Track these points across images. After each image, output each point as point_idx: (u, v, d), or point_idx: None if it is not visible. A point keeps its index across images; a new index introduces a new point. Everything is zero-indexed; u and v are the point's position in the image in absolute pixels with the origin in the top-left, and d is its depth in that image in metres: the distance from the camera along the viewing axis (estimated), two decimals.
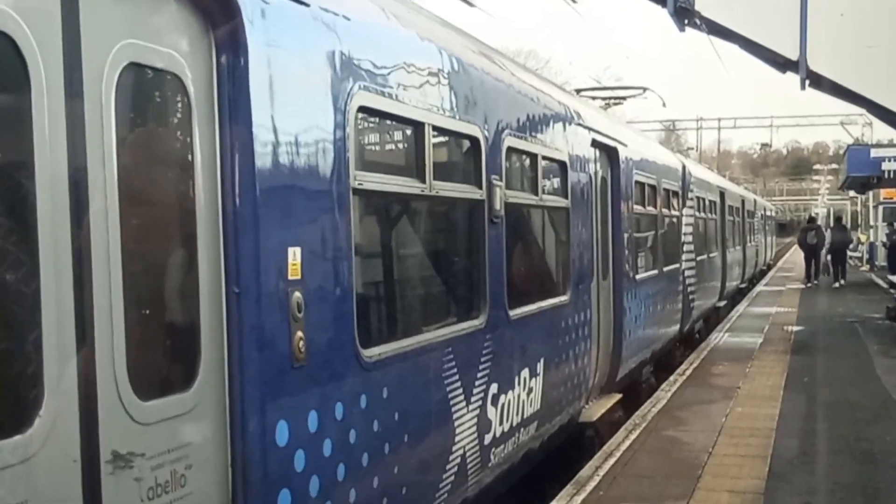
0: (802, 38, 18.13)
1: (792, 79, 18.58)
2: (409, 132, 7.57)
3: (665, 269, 18.34)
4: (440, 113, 7.83)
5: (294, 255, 5.70)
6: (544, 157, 10.79)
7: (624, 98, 23.22)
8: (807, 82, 18.43)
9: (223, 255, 5.22)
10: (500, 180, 9.14)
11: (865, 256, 57.51)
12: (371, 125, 7.09)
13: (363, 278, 6.83)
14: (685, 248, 21.23)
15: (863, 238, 62.25)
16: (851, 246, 49.58)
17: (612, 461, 11.58)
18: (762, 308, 29.96)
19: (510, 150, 9.56)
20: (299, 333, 5.72)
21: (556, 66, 61.95)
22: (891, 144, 43.15)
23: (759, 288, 39.53)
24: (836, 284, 39.38)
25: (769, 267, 54.45)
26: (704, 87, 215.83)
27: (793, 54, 18.21)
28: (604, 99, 23.01)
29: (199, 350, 5.09)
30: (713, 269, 27.44)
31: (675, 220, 19.98)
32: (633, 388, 16.38)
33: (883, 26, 18.68)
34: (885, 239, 45.26)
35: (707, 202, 25.86)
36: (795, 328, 24.33)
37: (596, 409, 13.39)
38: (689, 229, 21.77)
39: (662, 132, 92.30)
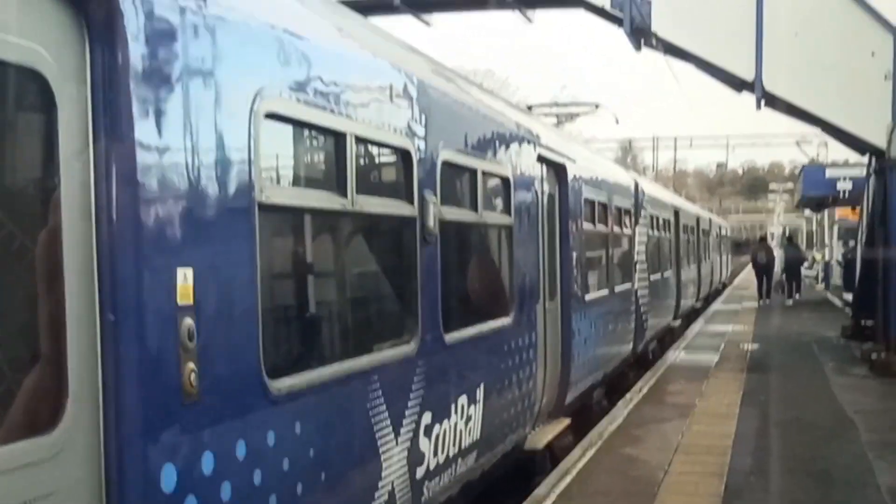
0: (758, 59, 18.53)
1: (748, 99, 19.17)
2: (328, 143, 6.90)
3: (617, 288, 17.74)
4: (364, 122, 7.18)
5: (184, 276, 5.01)
6: (485, 173, 10.15)
7: (576, 114, 22.61)
8: (762, 102, 18.88)
9: (96, 279, 4.54)
10: (435, 196, 8.50)
11: (821, 275, 57.23)
12: (283, 134, 6.40)
13: (272, 302, 6.11)
14: (638, 267, 20.66)
15: (818, 257, 62.11)
16: (806, 264, 50.05)
17: (568, 479, 11.48)
18: (718, 326, 29.88)
19: (447, 164, 8.92)
20: (190, 365, 5.03)
21: (513, 85, 61.43)
22: (845, 164, 43.39)
23: (716, 307, 39.52)
24: (790, 301, 39.52)
25: (725, 285, 54.13)
26: (661, 108, 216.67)
27: (748, 75, 18.68)
28: (556, 116, 22.43)
29: (66, 386, 4.39)
30: (667, 288, 26.90)
31: (627, 238, 19.39)
32: (583, 412, 15.84)
33: (837, 47, 19.20)
34: (840, 258, 44.75)
35: (661, 220, 25.34)
36: (751, 346, 24.29)
37: (542, 436, 12.77)
38: (643, 248, 21.21)
39: (619, 151, 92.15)
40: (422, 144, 8.25)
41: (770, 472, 11.73)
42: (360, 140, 7.12)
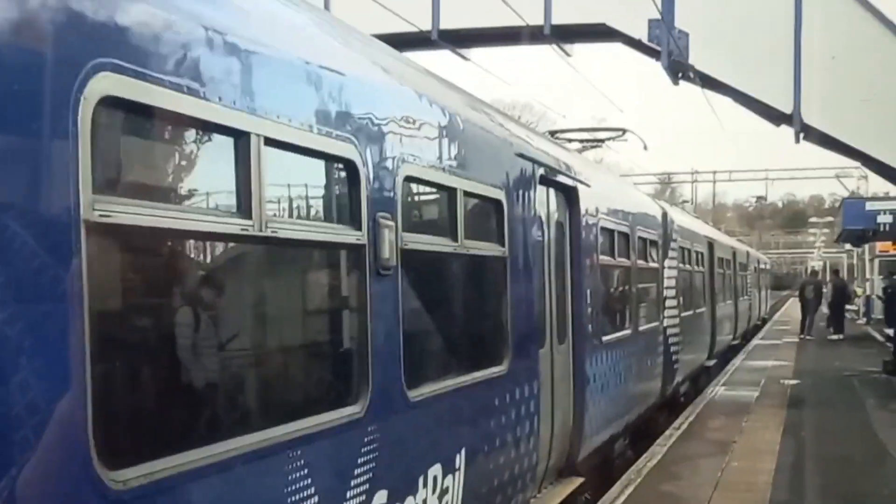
0: (796, 92, 18.17)
1: (786, 132, 18.88)
2: (221, 145, 5.10)
3: (641, 328, 15.78)
4: (281, 120, 5.38)
5: None
6: (468, 194, 8.29)
7: (602, 140, 20.78)
8: (801, 135, 18.52)
9: None
10: (393, 220, 6.69)
11: (862, 310, 55.29)
12: (137, 130, 4.63)
13: (111, 355, 4.30)
14: (667, 303, 18.69)
15: (859, 291, 60.18)
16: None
17: None
18: (758, 361, 29.15)
19: (411, 180, 7.12)
20: None
21: (551, 119, 59.71)
22: (886, 197, 41.79)
23: (756, 342, 38.32)
24: (836, 337, 38.43)
25: (764, 321, 51.64)
26: (699, 141, 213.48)
27: (787, 107, 18.29)
28: (581, 141, 20.63)
29: None
30: (701, 326, 24.73)
31: (653, 272, 17.46)
32: (604, 466, 13.96)
33: (876, 79, 18.73)
34: (880, 292, 43.64)
35: (693, 253, 23.31)
36: (792, 382, 23.77)
37: (549, 500, 10.89)
38: (672, 283, 19.22)
39: (658, 185, 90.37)
40: (374, 155, 6.45)
41: None
42: (273, 143, 5.32)
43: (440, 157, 7.67)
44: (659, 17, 17.63)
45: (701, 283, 24.88)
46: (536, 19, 19.03)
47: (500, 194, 9.02)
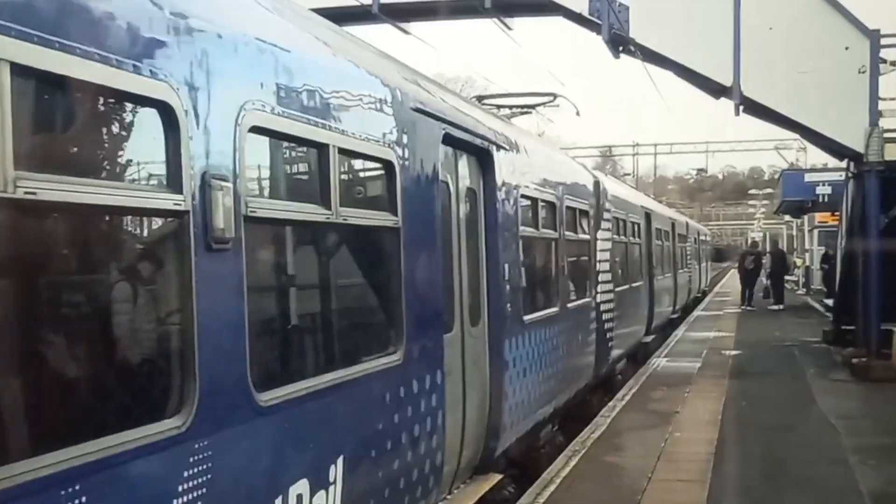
0: (736, 64, 18.36)
1: (727, 104, 19.04)
2: None
3: (570, 305, 14.33)
4: (33, 42, 3.89)
5: None
6: (346, 152, 6.81)
7: (532, 106, 19.29)
8: (741, 108, 18.81)
9: None
10: (231, 181, 5.21)
11: (802, 280, 54.84)
12: None
13: None
14: (601, 277, 17.32)
15: (799, 262, 59.71)
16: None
17: (552, 488, 11.11)
18: (700, 333, 29.00)
19: (259, 131, 5.61)
20: None
21: (493, 92, 58.21)
22: (825, 169, 42.25)
23: (697, 313, 38.24)
24: (777, 307, 38.39)
25: (704, 294, 50.36)
26: (640, 114, 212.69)
27: (727, 80, 18.53)
28: (510, 108, 19.17)
29: None
30: (638, 301, 23.27)
31: (585, 245, 16.07)
32: (529, 457, 12.61)
33: (814, 50, 18.93)
34: (820, 263, 43.36)
35: (629, 225, 21.83)
36: (733, 352, 23.65)
37: (461, 501, 9.50)
38: (605, 256, 17.82)
39: (599, 158, 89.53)
40: (198, 96, 4.95)
41: (753, 478, 11.41)
42: (29, 74, 3.84)
43: (304, 106, 6.15)
44: None
45: (638, 256, 23.43)
46: None
47: (390, 154, 7.53)
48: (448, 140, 9.05)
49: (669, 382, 18.87)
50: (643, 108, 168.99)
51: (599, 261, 17.25)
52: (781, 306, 38.62)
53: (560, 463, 12.31)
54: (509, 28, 21.44)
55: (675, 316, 32.91)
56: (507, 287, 10.76)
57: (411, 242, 7.85)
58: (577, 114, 20.10)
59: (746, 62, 18.45)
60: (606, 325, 17.66)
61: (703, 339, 26.78)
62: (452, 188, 9.38)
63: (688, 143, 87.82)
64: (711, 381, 18.89)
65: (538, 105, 19.42)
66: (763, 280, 42.55)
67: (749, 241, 52.24)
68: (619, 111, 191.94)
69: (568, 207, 14.31)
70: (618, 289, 19.12)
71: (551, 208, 13.29)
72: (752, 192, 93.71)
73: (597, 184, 17.36)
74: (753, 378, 19.45)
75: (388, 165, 7.54)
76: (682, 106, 56.22)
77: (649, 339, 25.01)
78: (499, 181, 10.60)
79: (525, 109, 19.51)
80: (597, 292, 16.88)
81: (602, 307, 17.28)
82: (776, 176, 63.97)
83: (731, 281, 56.27)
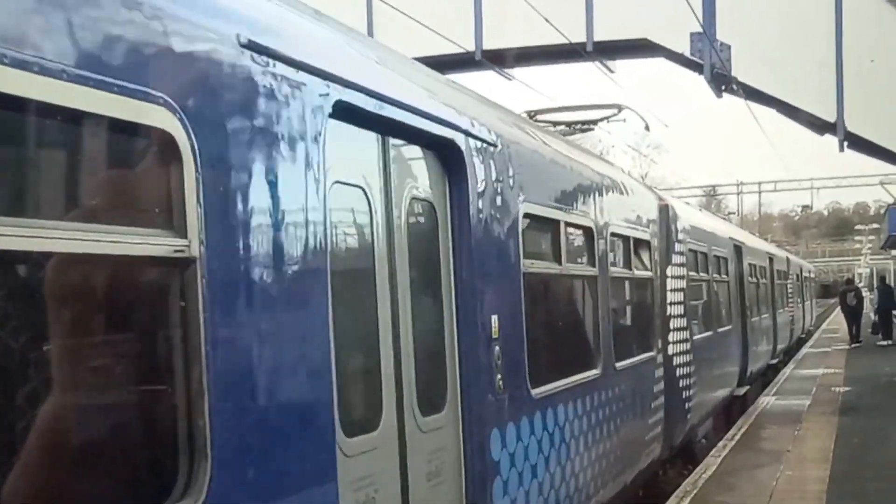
0: (839, 99, 17.29)
1: (831, 140, 17.93)
2: None
3: (620, 364, 10.05)
4: None
5: None
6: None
7: (595, 121, 15.19)
8: (845, 143, 17.66)
9: None
10: None
11: None
12: None
13: None
14: (672, 324, 13.03)
15: None
16: None
17: None
18: (809, 370, 27.24)
19: None
20: None
21: (596, 135, 54.32)
22: None
23: (805, 350, 35.65)
24: (885, 343, 34.81)
25: (809, 334, 44.65)
26: (744, 152, 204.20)
27: (830, 116, 17.46)
28: (568, 124, 15.14)
29: None
30: (727, 348, 18.59)
31: (645, 285, 11.81)
32: None
33: None
34: None
35: (713, 259, 17.40)
36: (843, 389, 22.01)
37: None
38: (678, 297, 13.49)
39: (703, 197, 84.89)
40: None
41: None
42: None
43: None
44: (701, 30, 16.63)
45: (726, 296, 18.88)
46: (579, 36, 17.98)
47: (167, 121, 3.61)
48: (348, 115, 5.07)
49: (779, 420, 17.79)
50: (747, 147, 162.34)
51: (670, 303, 12.98)
52: (891, 341, 34.96)
53: (672, 503, 11.48)
54: (611, 71, 20.19)
55: (774, 361, 27.84)
56: (498, 349, 6.70)
57: (226, 287, 3.90)
58: (647, 128, 15.99)
59: (849, 97, 17.21)
60: (682, 384, 13.32)
61: (812, 377, 25.15)
62: (375, 197, 5.40)
63: (792, 179, 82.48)
64: (822, 418, 17.69)
65: (601, 120, 15.38)
66: (871, 315, 39.40)
67: (845, 279, 47.97)
68: (724, 151, 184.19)
69: (616, 236, 10.12)
70: (697, 336, 14.72)
71: (584, 235, 9.11)
72: (858, 227, 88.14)
73: (665, 208, 13.09)
74: (864, 414, 17.99)
75: (161, 143, 3.61)
76: (786, 143, 51.78)
77: (742, 391, 20.24)
78: (479, 191, 6.57)
79: (586, 125, 15.47)
80: (667, 343, 12.61)
81: (675, 360, 12.99)
82: (882, 211, 59.93)
83: (839, 317, 52.06)
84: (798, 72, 18.04)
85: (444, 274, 6.28)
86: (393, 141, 5.73)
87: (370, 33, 16.89)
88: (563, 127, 15.08)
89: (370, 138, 5.51)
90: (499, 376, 6.71)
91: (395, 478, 5.50)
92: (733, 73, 17.54)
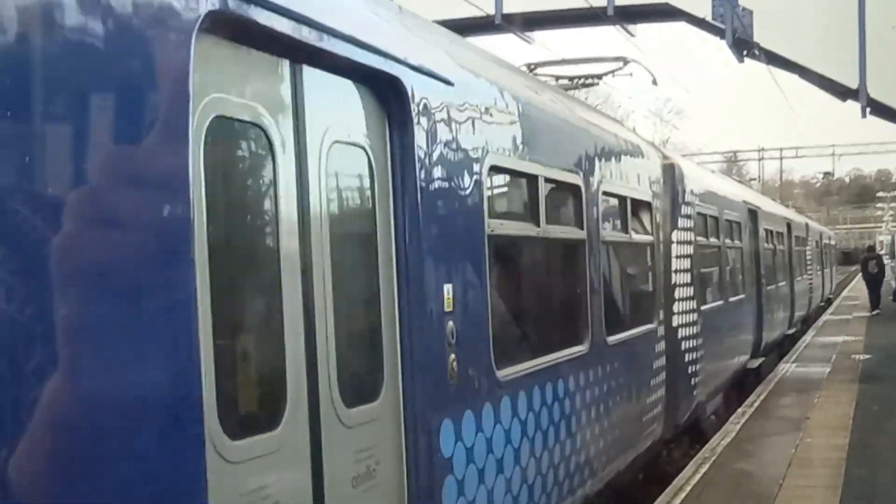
0: (861, 66, 17.10)
1: (853, 106, 17.83)
2: None
3: (612, 337, 8.77)
4: None
5: None
6: None
7: (599, 75, 13.95)
8: (868, 110, 17.54)
9: None
10: None
11: None
12: None
13: None
14: (678, 293, 11.81)
15: None
16: None
17: (682, 496, 9.99)
18: (828, 338, 26.32)
19: None
20: None
21: (616, 100, 53.33)
22: None
23: (826, 317, 34.55)
24: None
25: (829, 302, 42.89)
26: (766, 118, 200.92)
27: (853, 82, 17.33)
28: (570, 79, 13.95)
29: None
30: (739, 319, 17.25)
31: (643, 250, 10.55)
32: None
33: None
34: None
35: (726, 224, 16.00)
36: (863, 357, 21.41)
37: None
38: (684, 264, 12.24)
39: (724, 163, 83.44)
40: None
41: (886, 483, 10.25)
42: None
43: None
44: None
45: (739, 263, 17.43)
46: (600, 0, 17.81)
47: None
48: (247, 35, 3.94)
49: (798, 388, 17.27)
50: (768, 113, 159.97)
51: (676, 271, 11.78)
52: None
53: (690, 470, 11.15)
54: (632, 35, 19.94)
55: (792, 331, 26.42)
56: (452, 324, 5.56)
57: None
58: (654, 82, 14.78)
59: (872, 63, 17.03)
60: (687, 357, 12.13)
61: (832, 344, 24.36)
62: (280, 139, 4.26)
63: (814, 146, 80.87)
64: (841, 386, 17.25)
65: (605, 73, 14.19)
66: (892, 283, 38.66)
67: (866, 246, 46.63)
68: (745, 117, 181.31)
69: (610, 195, 8.91)
70: (706, 306, 13.48)
71: (570, 194, 7.91)
72: (880, 194, 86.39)
73: (670, 168, 11.83)
74: (884, 382, 17.45)
75: None
76: (808, 109, 50.15)
77: (756, 363, 18.89)
78: (429, 139, 5.41)
79: (589, 79, 14.28)
80: (671, 314, 11.43)
81: (680, 332, 11.81)
82: None
83: (860, 284, 51.07)
84: (820, 37, 17.79)
85: (382, 236, 5.13)
86: (310, 71, 4.57)
87: None
88: (565, 81, 13.93)
89: (273, 64, 4.35)
90: (452, 357, 5.58)
91: (303, 485, 4.40)
92: (755, 39, 17.39)
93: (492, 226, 6.16)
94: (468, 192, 5.89)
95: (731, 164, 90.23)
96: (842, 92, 18.01)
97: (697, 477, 10.78)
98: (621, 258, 9.56)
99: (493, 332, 6.14)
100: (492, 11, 18.81)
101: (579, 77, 14.16)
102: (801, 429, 13.46)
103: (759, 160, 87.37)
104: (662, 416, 10.75)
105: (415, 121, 5.26)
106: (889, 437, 12.64)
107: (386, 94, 5.17)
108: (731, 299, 15.97)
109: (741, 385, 17.64)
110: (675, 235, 11.80)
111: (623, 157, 9.55)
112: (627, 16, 19.14)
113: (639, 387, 9.72)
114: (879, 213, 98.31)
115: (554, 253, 7.82)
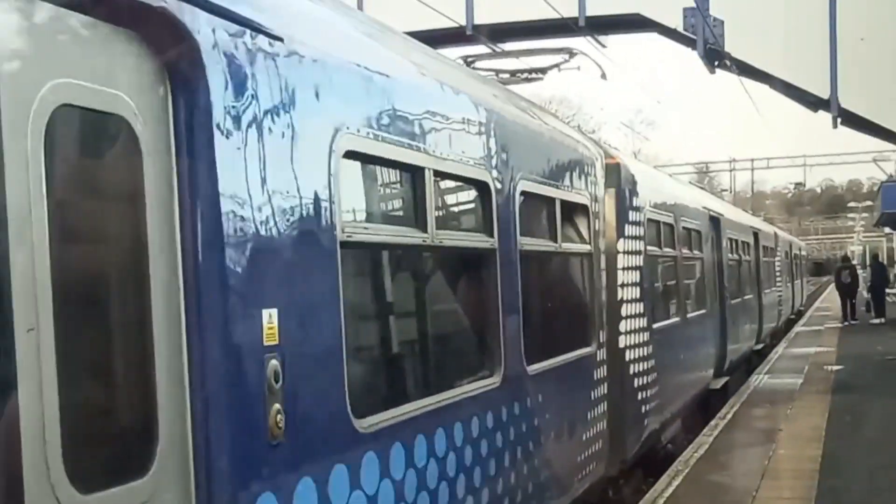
0: (833, 76, 16.92)
1: (824, 117, 17.73)
2: None
3: (535, 366, 7.05)
4: None
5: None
6: None
7: (543, 69, 12.43)
8: (839, 120, 17.38)
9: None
10: None
11: None
12: None
13: None
14: (626, 310, 10.25)
15: None
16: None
17: None
18: (801, 349, 26.02)
19: None
20: None
21: (588, 111, 52.50)
22: None
23: (798, 328, 34.03)
24: (878, 321, 33.37)
25: (799, 314, 41.29)
26: (737, 129, 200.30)
27: (824, 93, 17.13)
28: (511, 73, 12.45)
29: None
30: (699, 335, 15.60)
31: (576, 262, 8.79)
32: None
33: None
34: None
35: (682, 233, 14.27)
36: (835, 367, 21.12)
37: None
38: (634, 277, 10.68)
39: (695, 174, 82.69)
40: None
41: (859, 494, 10.16)
42: None
43: None
44: (694, 4, 16.35)
45: (699, 275, 15.88)
46: (571, 11, 17.53)
47: None
48: None
49: (771, 399, 17.08)
50: (740, 124, 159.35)
51: (622, 285, 10.23)
52: (883, 320, 33.44)
53: (663, 483, 10.92)
54: (603, 46, 19.38)
55: (759, 347, 24.89)
56: (276, 364, 4.02)
57: None
58: (603, 76, 13.30)
59: (843, 74, 16.77)
60: (637, 383, 10.58)
61: (804, 355, 23.98)
62: None
63: (785, 157, 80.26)
64: (814, 397, 17.03)
65: (550, 67, 12.66)
66: (864, 293, 37.85)
67: (841, 256, 46.32)
68: (716, 128, 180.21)
69: (531, 196, 7.34)
70: (659, 324, 11.94)
71: (475, 192, 6.32)
72: (852, 204, 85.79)
73: (616, 168, 10.25)
74: (857, 393, 17.26)
75: None
76: (779, 120, 49.55)
77: (720, 383, 17.35)
78: (238, 110, 3.88)
79: (532, 73, 12.77)
80: (616, 334, 9.88)
81: (628, 355, 10.26)
82: (875, 188, 58.46)
83: (832, 295, 50.83)
84: (791, 48, 17.52)
85: (157, 244, 3.57)
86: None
87: (360, 7, 16.25)
88: (506, 76, 12.45)
89: None
90: (275, 407, 4.01)
91: None
92: (726, 49, 17.07)
93: (346, 231, 4.59)
94: (308, 184, 4.32)
95: (703, 175, 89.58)
96: (813, 102, 17.61)
97: (671, 490, 10.53)
98: (547, 271, 8.01)
99: (351, 371, 4.57)
100: (462, 22, 18.50)
101: (521, 71, 12.67)
102: (775, 440, 13.27)
103: (731, 171, 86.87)
104: (605, 452, 9.17)
105: (211, 84, 3.70)
106: (862, 448, 12.55)
107: (167, 46, 3.61)
108: (690, 315, 14.41)
109: (705, 407, 16.12)
110: (621, 245, 10.26)
111: (552, 151, 7.97)
112: (598, 27, 18.66)
113: (571, 422, 8.13)
114: (851, 223, 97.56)
115: (449, 265, 6.22)
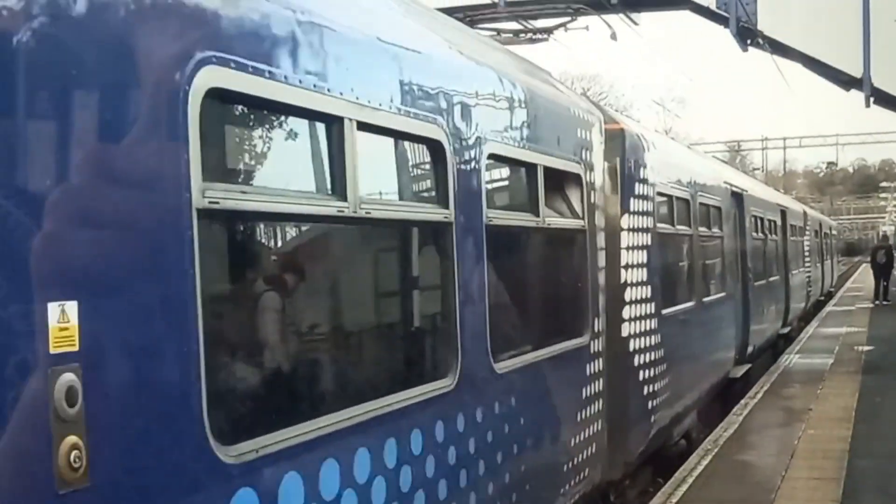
0: (865, 55, 16.64)
1: (857, 96, 17.52)
2: None
3: (505, 364, 5.75)
4: None
5: None
6: None
7: (548, 29, 11.17)
8: (871, 99, 17.17)
9: None
10: None
11: None
12: None
13: None
14: (631, 294, 8.96)
15: None
16: None
17: (684, 488, 9.65)
18: (832, 329, 25.52)
19: None
20: None
21: (620, 89, 51.12)
22: None
23: (829, 308, 33.20)
24: None
25: (830, 295, 39.49)
26: (769, 108, 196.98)
27: (856, 71, 16.94)
28: (515, 33, 11.36)
29: None
30: (718, 322, 14.24)
31: (571, 239, 7.44)
32: None
33: None
34: None
35: (699, 210, 12.81)
36: (866, 348, 20.81)
37: None
38: (641, 257, 9.38)
39: (728, 153, 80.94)
40: None
41: (889, 475, 9.94)
42: None
43: None
44: None
45: (718, 255, 14.44)
46: None
47: None
48: None
49: (801, 379, 16.82)
50: (772, 103, 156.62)
51: (627, 266, 8.94)
52: None
53: (693, 462, 10.72)
54: (636, 23, 19.06)
55: (786, 330, 23.43)
56: (74, 377, 2.82)
57: None
58: (613, 37, 12.17)
59: (876, 53, 16.48)
60: (642, 376, 9.31)
61: (835, 335, 23.48)
62: None
63: (817, 136, 78.25)
64: (844, 378, 16.75)
65: (556, 27, 11.51)
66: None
67: (880, 235, 44.97)
68: (748, 106, 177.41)
69: (504, 161, 6.05)
70: (669, 310, 10.63)
71: (419, 153, 5.06)
72: (884, 184, 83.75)
73: (619, 134, 8.95)
74: (887, 373, 16.94)
75: None
76: (811, 99, 47.91)
77: (741, 371, 15.99)
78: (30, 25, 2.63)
79: (537, 33, 11.62)
80: (618, 321, 8.61)
81: (631, 345, 8.98)
82: None
83: (863, 276, 49.47)
84: (824, 26, 17.35)
85: None
86: None
87: None
88: (509, 35, 11.28)
89: None
90: (71, 440, 2.82)
91: None
92: (759, 27, 16.85)
93: (210, 195, 3.35)
94: (143, 132, 3.08)
95: (734, 154, 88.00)
96: (845, 81, 17.32)
97: (700, 468, 10.42)
98: (525, 250, 6.74)
99: (214, 382, 3.34)
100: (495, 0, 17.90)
101: (524, 31, 11.48)
102: (804, 420, 13.13)
103: (763, 150, 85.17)
104: (603, 455, 7.91)
105: None
106: (892, 428, 12.38)
107: None
108: (706, 299, 13.03)
109: (725, 397, 14.83)
110: (625, 221, 8.95)
111: (536, 110, 6.67)
112: (631, 4, 18.34)
113: (554, 426, 6.88)
114: (883, 203, 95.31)
115: (380, 243, 4.98)
